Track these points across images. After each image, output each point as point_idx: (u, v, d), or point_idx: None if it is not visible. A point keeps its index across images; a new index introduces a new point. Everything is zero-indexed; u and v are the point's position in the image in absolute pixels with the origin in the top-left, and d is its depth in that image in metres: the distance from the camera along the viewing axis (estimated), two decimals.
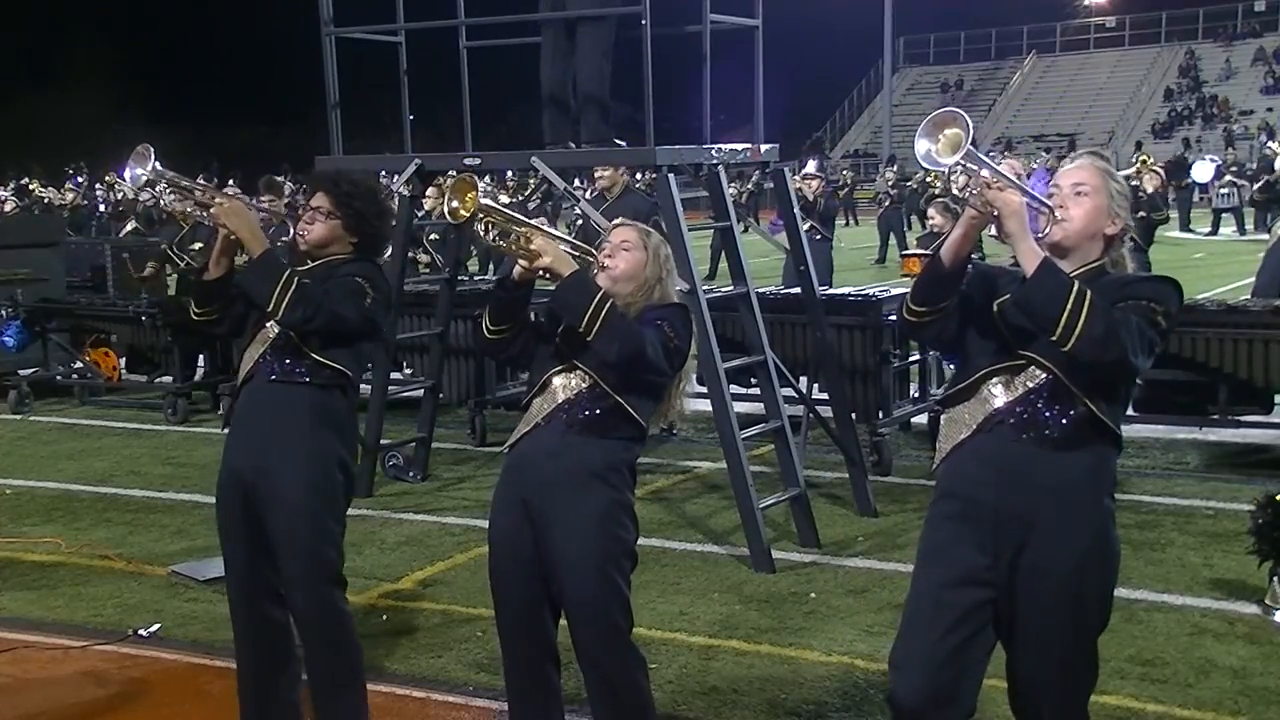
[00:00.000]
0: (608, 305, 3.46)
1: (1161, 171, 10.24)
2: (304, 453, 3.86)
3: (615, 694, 3.63)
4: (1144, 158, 10.15)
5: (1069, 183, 3.15)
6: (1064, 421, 3.06)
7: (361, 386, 8.59)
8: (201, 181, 4.26)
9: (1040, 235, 3.08)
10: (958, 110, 3.03)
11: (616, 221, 3.93)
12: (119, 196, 22.94)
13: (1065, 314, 2.89)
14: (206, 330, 4.18)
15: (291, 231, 4.16)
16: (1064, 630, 3.10)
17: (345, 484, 4.01)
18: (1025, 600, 3.09)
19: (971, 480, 3.14)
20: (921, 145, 3.00)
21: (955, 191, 9.14)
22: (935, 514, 3.25)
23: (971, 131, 2.96)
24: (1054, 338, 2.93)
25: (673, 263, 3.83)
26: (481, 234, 3.57)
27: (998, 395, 3.13)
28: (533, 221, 3.68)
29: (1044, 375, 3.08)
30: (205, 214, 3.95)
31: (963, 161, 2.97)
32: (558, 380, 3.62)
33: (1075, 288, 2.92)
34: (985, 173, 3.02)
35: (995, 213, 2.99)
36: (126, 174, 4.06)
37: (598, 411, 3.56)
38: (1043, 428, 3.07)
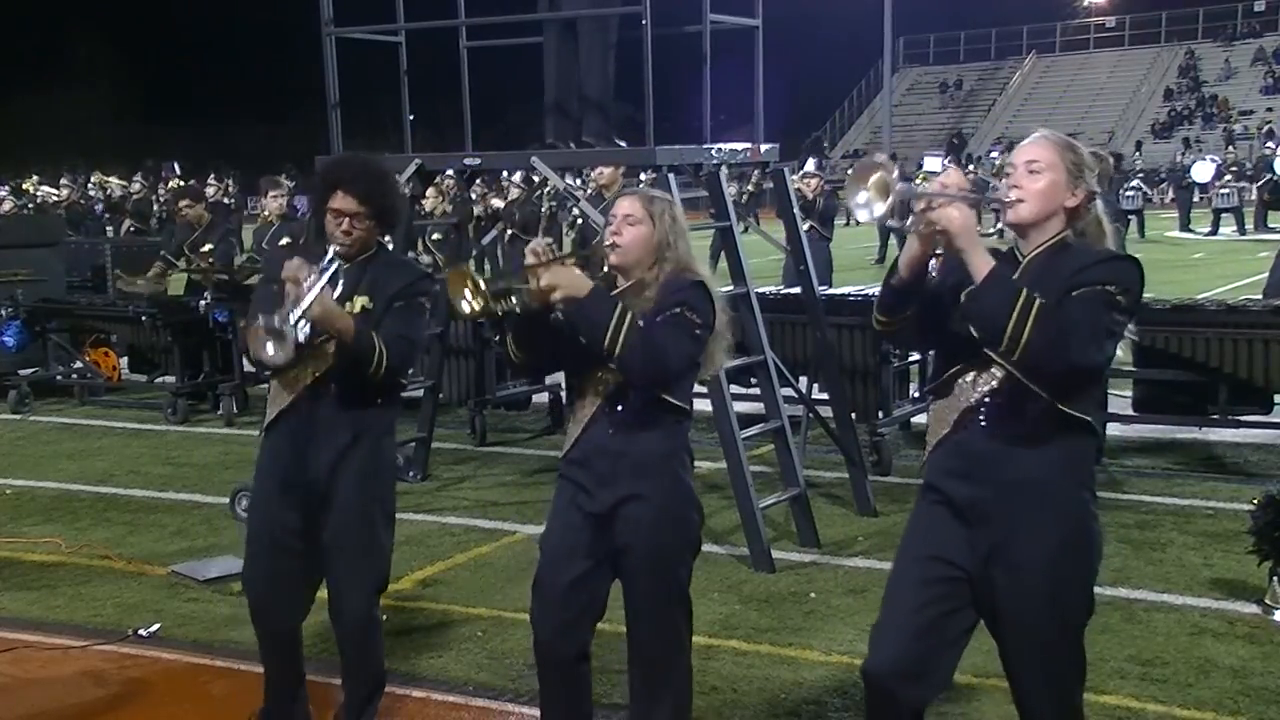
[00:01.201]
0: (628, 322, 3.45)
1: None
2: (366, 462, 3.92)
3: (660, 684, 3.68)
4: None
5: (1022, 160, 3.15)
6: (1030, 418, 3.06)
7: None
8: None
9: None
10: (874, 158, 3.06)
11: (625, 191, 3.90)
12: (106, 194, 22.95)
13: (1010, 325, 2.91)
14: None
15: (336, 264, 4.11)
16: (1045, 622, 3.11)
17: (394, 495, 4.13)
18: (1005, 594, 3.11)
19: (949, 476, 3.18)
20: (858, 198, 3.02)
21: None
22: (919, 504, 3.31)
23: (895, 169, 2.98)
24: (1001, 349, 2.97)
25: (683, 221, 3.77)
26: (497, 306, 3.57)
27: (967, 392, 3.15)
28: (530, 259, 3.57)
29: (1006, 370, 3.09)
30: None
31: (898, 200, 2.99)
32: (597, 377, 3.64)
33: (1022, 298, 2.92)
34: (921, 202, 3.03)
35: (941, 230, 2.99)
36: (267, 355, 3.74)
37: (639, 406, 3.60)
38: (1010, 424, 3.08)
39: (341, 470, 3.89)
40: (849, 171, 3.10)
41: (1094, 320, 2.94)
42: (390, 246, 4.18)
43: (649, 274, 3.64)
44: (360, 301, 3.91)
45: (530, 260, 3.53)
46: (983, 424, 3.11)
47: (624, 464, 3.59)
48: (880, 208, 2.98)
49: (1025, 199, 3.11)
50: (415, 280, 4.03)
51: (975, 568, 3.13)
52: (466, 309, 3.49)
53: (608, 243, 3.66)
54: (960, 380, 3.16)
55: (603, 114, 6.64)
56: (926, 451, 3.29)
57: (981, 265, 2.97)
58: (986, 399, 3.10)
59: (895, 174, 2.96)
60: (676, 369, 3.54)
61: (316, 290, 3.77)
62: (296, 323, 3.70)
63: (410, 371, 4.03)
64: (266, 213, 10.83)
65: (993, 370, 3.10)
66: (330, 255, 3.89)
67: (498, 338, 8.89)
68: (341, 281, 3.91)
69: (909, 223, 3.05)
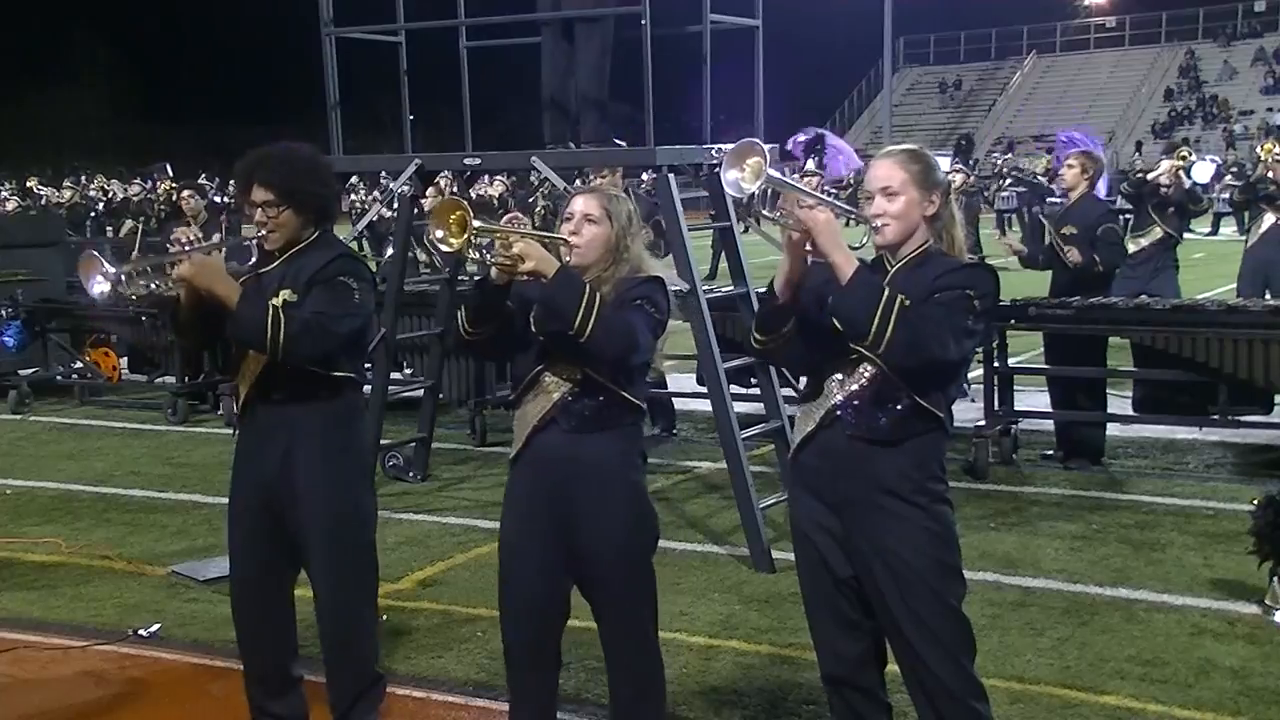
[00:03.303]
0: (597, 303, 3.38)
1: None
2: (326, 467, 3.83)
3: (639, 690, 3.70)
4: (1178, 162, 10.17)
5: (877, 188, 3.31)
6: (891, 418, 3.23)
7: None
8: (168, 248, 4.09)
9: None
10: (756, 140, 3.23)
11: (578, 189, 3.90)
12: (109, 196, 22.94)
13: (875, 322, 3.07)
14: (198, 348, 4.13)
15: (254, 254, 4.10)
16: (929, 608, 3.25)
17: (368, 488, 4.04)
18: (880, 580, 3.27)
19: (815, 474, 3.36)
20: (730, 174, 3.20)
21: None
22: (793, 506, 3.49)
23: (769, 158, 3.16)
24: (866, 344, 3.13)
25: (638, 218, 3.74)
26: (469, 252, 3.47)
27: (835, 391, 3.31)
28: (510, 225, 3.63)
29: (873, 369, 3.24)
30: (177, 283, 3.76)
31: (774, 186, 3.18)
32: (549, 376, 3.58)
33: (885, 295, 3.08)
34: (792, 195, 3.26)
35: (806, 229, 3.13)
36: (92, 290, 3.85)
37: (596, 405, 3.54)
38: (872, 424, 3.24)
39: (304, 482, 3.81)
40: (729, 149, 3.27)
41: (951, 320, 3.14)
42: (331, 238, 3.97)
43: (605, 273, 3.59)
44: (284, 295, 3.76)
45: (513, 224, 3.53)
46: (846, 421, 3.27)
47: (581, 469, 3.54)
48: (749, 187, 3.18)
49: (888, 223, 3.29)
50: (333, 260, 3.81)
51: (857, 566, 3.31)
52: (440, 239, 3.38)
53: (567, 241, 3.62)
54: (828, 380, 3.32)
55: (601, 114, 6.63)
56: (792, 448, 3.46)
57: (846, 266, 3.13)
58: (852, 397, 3.26)
59: (769, 163, 3.14)
60: (645, 349, 3.50)
61: (198, 250, 3.78)
62: (138, 273, 3.81)
63: (337, 355, 3.78)
64: None
65: (860, 370, 3.26)
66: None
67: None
68: (273, 277, 3.84)
69: (778, 215, 3.26)
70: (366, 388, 8.02)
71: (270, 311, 3.64)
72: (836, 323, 3.18)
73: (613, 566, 3.59)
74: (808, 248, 3.15)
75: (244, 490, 3.96)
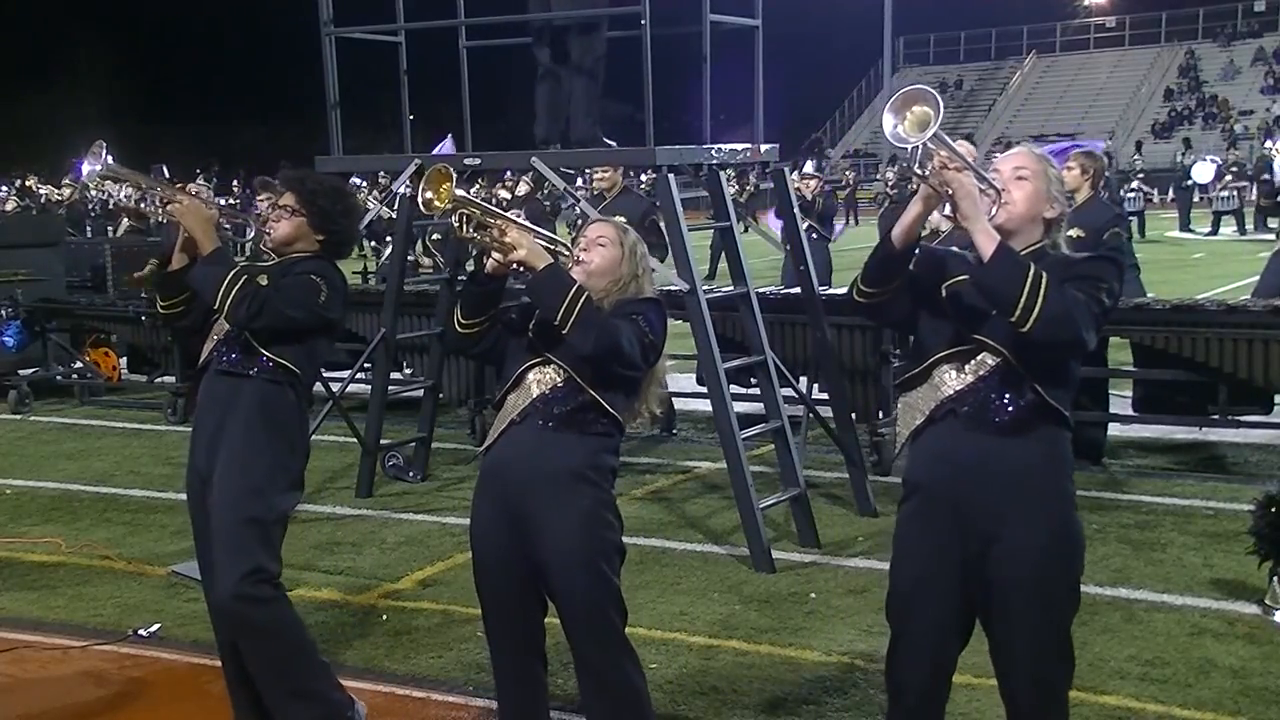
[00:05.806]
0: (583, 298, 3.43)
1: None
2: (244, 451, 3.87)
3: (610, 692, 3.63)
4: None
5: (1010, 167, 3.24)
6: (1012, 410, 3.12)
7: (361, 386, 8.60)
8: (154, 179, 4.29)
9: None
10: (929, 89, 3.08)
11: (594, 218, 3.95)
12: (105, 196, 22.92)
13: (1024, 295, 2.97)
14: (174, 325, 4.18)
15: (250, 231, 4.25)
16: (1035, 616, 3.15)
17: (286, 488, 3.97)
18: (996, 589, 3.16)
19: (930, 475, 3.23)
20: (889, 120, 3.06)
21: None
22: (905, 509, 3.34)
23: (941, 110, 3.02)
24: (1013, 319, 3.00)
25: (649, 261, 3.81)
26: (455, 226, 3.56)
27: (949, 382, 3.20)
28: (508, 215, 3.68)
29: (994, 361, 3.14)
30: (163, 211, 4.00)
31: (928, 142, 3.02)
32: (532, 375, 3.60)
33: (1032, 269, 3.00)
34: (944, 153, 3.07)
35: (950, 192, 3.05)
36: (83, 169, 4.10)
37: (573, 407, 3.53)
38: (992, 416, 3.13)
39: (221, 460, 3.88)
40: (902, 93, 3.08)
41: (1089, 304, 3.05)
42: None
43: (605, 296, 3.60)
44: (260, 280, 3.91)
45: (504, 218, 3.56)
46: (965, 414, 3.16)
47: (547, 470, 3.51)
48: (910, 139, 3.02)
49: (1014, 202, 3.20)
50: (315, 260, 3.99)
51: (968, 567, 3.18)
52: (427, 198, 3.48)
53: (576, 259, 3.66)
54: (940, 369, 3.22)
55: (591, 119, 6.65)
56: (899, 442, 3.34)
57: (987, 237, 3.05)
58: (970, 390, 3.15)
59: (939, 116, 3.00)
60: (629, 359, 3.47)
61: (198, 200, 3.96)
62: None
63: (277, 337, 3.89)
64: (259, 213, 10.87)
65: (978, 360, 3.16)
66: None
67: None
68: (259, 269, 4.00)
69: (925, 170, 3.09)
70: (365, 387, 8.07)
71: (234, 270, 3.83)
72: (981, 294, 3.08)
73: (565, 574, 3.53)
74: (947, 213, 3.10)
75: (188, 472, 4.06)
